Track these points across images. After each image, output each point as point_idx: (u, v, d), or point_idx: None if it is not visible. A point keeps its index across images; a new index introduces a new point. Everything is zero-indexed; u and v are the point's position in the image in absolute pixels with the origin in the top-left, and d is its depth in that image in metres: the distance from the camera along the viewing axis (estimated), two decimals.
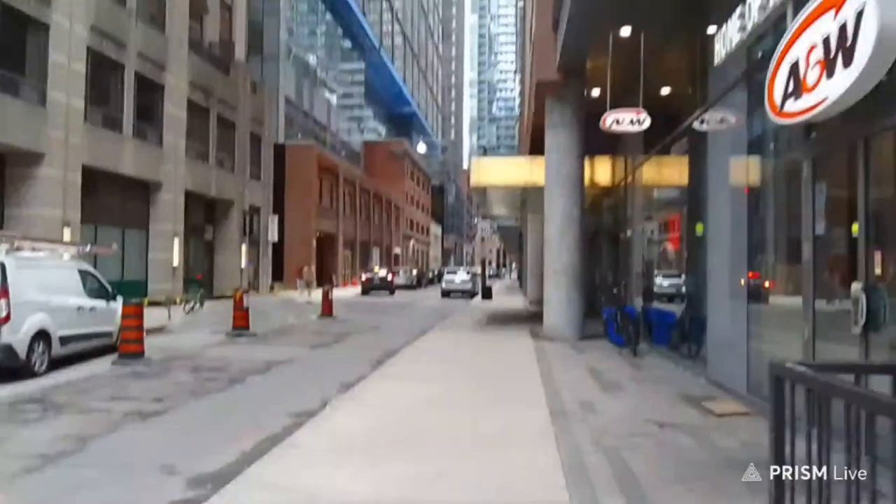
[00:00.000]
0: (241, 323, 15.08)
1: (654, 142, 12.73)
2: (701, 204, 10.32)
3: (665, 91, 11.90)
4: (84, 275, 11.53)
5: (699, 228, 10.16)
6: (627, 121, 10.54)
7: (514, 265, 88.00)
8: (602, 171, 16.55)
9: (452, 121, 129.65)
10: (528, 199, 20.71)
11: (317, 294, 25.01)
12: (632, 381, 8.72)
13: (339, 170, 44.35)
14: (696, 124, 9.86)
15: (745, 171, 7.48)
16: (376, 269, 42.34)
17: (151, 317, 18.09)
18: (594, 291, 17.75)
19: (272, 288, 29.12)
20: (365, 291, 37.46)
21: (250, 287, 30.05)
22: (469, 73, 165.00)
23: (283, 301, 21.39)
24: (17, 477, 5.09)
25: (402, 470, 5.04)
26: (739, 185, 7.59)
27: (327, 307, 20.42)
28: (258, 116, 32.32)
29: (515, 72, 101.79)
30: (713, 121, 9.30)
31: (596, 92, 13.51)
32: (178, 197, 24.66)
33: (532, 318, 19.51)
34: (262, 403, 8.04)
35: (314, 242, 39.20)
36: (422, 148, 43.38)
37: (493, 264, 49.95)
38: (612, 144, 16.26)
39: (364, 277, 38.73)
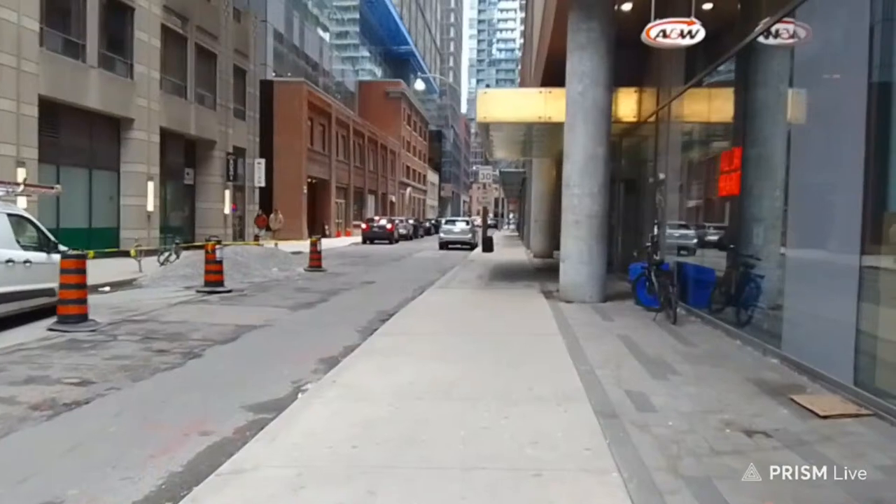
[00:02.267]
0: (213, 278, 13.28)
1: (694, 68, 10.76)
2: (760, 140, 8.43)
3: (709, 5, 9.85)
4: (16, 221, 9.63)
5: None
6: (677, 32, 8.55)
7: (511, 215, 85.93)
8: (625, 105, 14.48)
9: (451, 63, 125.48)
10: (535, 139, 18.70)
11: (300, 245, 23.10)
12: (683, 360, 6.96)
13: (332, 110, 41.89)
14: (761, 38, 7.90)
15: (862, 94, 5.49)
16: (377, 217, 41.73)
17: (120, 269, 16.32)
18: (611, 245, 15.91)
19: (257, 238, 27.23)
20: (365, 240, 37.42)
21: (235, 236, 28.23)
22: (468, 12, 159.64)
23: (268, 252, 19.55)
24: None
25: None
26: (850, 113, 5.63)
27: (315, 259, 18.61)
28: (242, 48, 29.82)
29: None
30: (786, 33, 7.38)
31: (627, 6, 11.42)
32: (153, 135, 22.50)
33: (540, 273, 17.76)
34: (217, 389, 6.27)
35: (305, 188, 37.13)
36: (419, 85, 40.73)
37: (491, 214, 48.13)
38: (636, 75, 14.21)
39: (365, 226, 38.57)
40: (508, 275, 17.34)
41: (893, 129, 5.36)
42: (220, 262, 13.42)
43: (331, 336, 8.86)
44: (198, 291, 13.13)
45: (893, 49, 5.40)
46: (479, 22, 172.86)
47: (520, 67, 69.45)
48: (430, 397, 5.47)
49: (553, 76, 17.63)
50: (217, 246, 13.43)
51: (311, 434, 4.60)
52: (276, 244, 24.07)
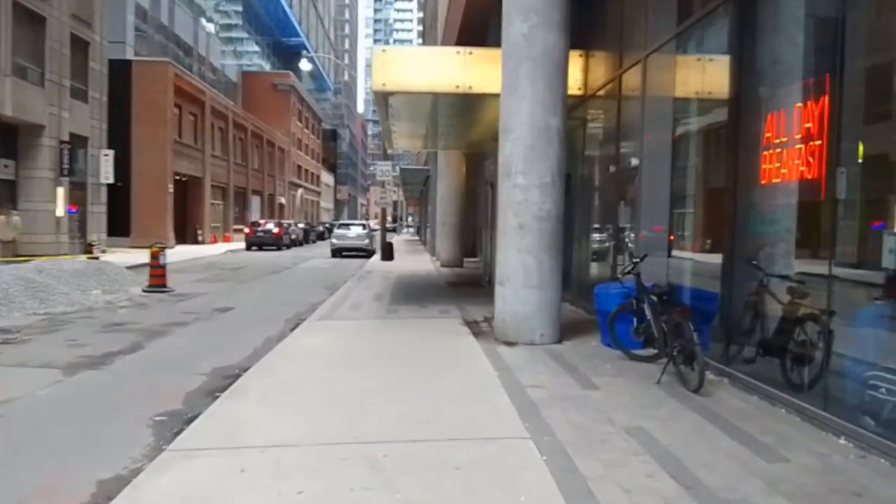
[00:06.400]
0: None
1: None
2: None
3: None
4: None
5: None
6: None
7: (410, 218, 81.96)
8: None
9: (346, 60, 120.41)
10: (443, 124, 14.99)
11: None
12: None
13: (206, 98, 36.45)
14: None
15: None
16: (263, 221, 37.29)
17: None
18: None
19: (90, 248, 21.72)
20: (249, 246, 33.40)
21: (75, 245, 22.82)
22: (364, 11, 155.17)
23: (93, 268, 14.62)
24: None
25: None
26: None
27: (157, 276, 13.97)
28: (84, 15, 24.22)
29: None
30: None
31: None
32: None
33: (455, 290, 14.06)
34: None
35: (171, 187, 31.69)
36: (306, 65, 35.86)
37: (390, 217, 44.38)
38: (587, 34, 10.77)
39: (248, 230, 34.62)
40: (415, 293, 13.48)
41: None
42: None
43: (88, 452, 4.66)
44: None
45: None
46: (376, 21, 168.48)
47: None
48: None
49: (475, 29, 13.94)
50: None
51: None
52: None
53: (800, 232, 5.64)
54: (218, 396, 5.63)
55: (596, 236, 10.97)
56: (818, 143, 4.94)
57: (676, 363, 5.92)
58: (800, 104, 5.19)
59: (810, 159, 5.03)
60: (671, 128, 7.75)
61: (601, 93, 10.36)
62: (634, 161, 8.64)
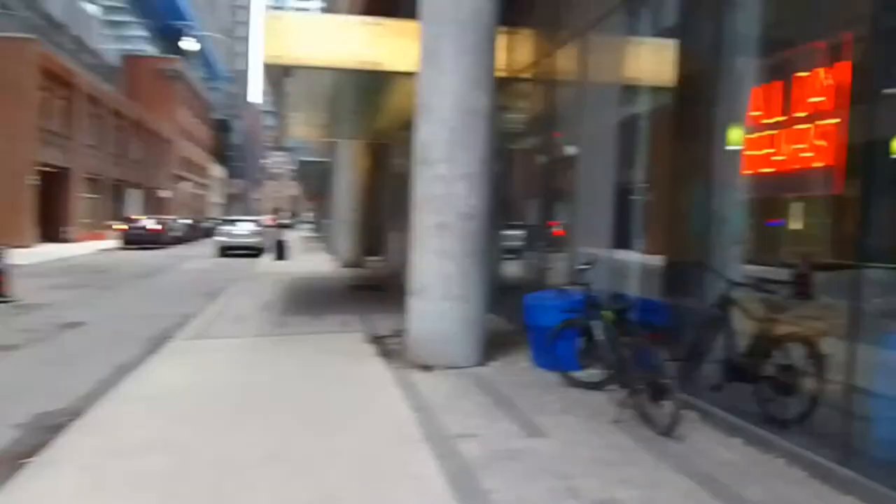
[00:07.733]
0: None
1: None
2: None
3: None
4: None
5: None
6: None
7: (309, 214, 78.86)
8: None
9: (244, 48, 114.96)
10: (344, 108, 13.41)
11: (22, 255, 14.16)
12: None
13: (78, 81, 32.69)
14: None
15: None
16: (140, 217, 34.08)
17: None
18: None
19: None
20: (125, 244, 30.37)
21: None
22: None
23: None
24: None
25: None
26: None
27: None
28: None
29: None
30: None
31: None
32: None
33: (357, 295, 12.49)
34: None
35: (33, 178, 27.98)
36: (191, 45, 32.56)
37: (290, 213, 41.90)
38: (510, 6, 9.53)
39: (124, 226, 31.44)
40: (312, 300, 11.83)
41: None
42: None
43: None
44: None
45: None
46: (276, 9, 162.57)
47: None
48: None
49: (380, 13, 12.42)
50: None
51: None
52: None
53: (796, 231, 4.63)
54: (27, 464, 3.94)
55: (517, 233, 9.79)
56: (834, 121, 3.88)
57: (637, 396, 4.74)
58: (804, 73, 4.11)
59: (821, 142, 3.96)
60: (616, 112, 6.64)
61: (527, 74, 9.18)
62: (570, 150, 7.48)
